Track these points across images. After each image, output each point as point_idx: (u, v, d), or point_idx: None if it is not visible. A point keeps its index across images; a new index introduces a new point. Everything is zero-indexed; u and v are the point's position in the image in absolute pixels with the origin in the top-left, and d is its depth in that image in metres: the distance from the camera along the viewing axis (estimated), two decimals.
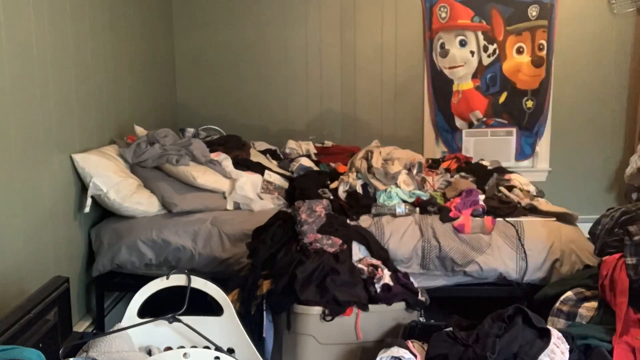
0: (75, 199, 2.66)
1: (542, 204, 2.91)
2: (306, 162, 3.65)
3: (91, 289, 2.81)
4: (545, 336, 1.75)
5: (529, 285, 2.62)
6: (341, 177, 3.30)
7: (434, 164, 3.86)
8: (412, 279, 2.43)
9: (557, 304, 2.11)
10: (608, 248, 2.07)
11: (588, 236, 2.53)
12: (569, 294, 2.14)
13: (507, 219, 2.74)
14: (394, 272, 2.38)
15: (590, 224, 2.42)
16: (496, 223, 2.69)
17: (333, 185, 3.22)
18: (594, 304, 2.05)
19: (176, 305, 1.75)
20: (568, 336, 1.80)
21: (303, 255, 2.30)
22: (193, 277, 1.83)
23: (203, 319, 1.80)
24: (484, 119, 4.42)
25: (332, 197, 2.95)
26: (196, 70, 4.47)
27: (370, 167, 3.10)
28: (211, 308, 1.86)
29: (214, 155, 3.17)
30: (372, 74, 4.47)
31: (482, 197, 2.93)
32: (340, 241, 2.40)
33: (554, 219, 2.77)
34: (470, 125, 4.44)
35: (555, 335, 1.75)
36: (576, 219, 2.77)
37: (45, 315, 1.64)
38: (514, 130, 4.48)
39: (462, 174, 3.37)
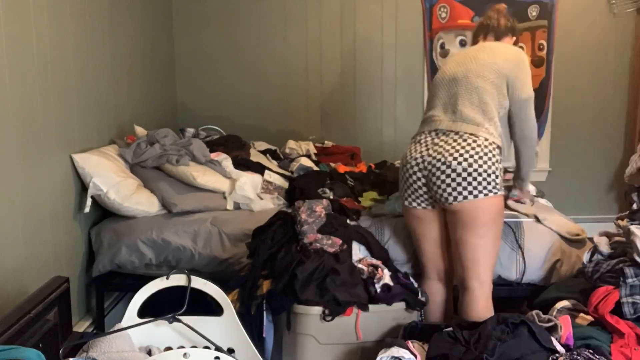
0: (75, 199, 2.66)
1: (544, 209, 2.89)
2: (306, 162, 3.65)
3: (91, 289, 2.81)
4: (551, 350, 1.75)
5: (529, 285, 2.62)
6: None
7: None
8: (412, 279, 2.43)
9: (554, 313, 2.10)
10: (601, 282, 2.09)
11: (589, 237, 2.53)
12: (566, 303, 2.14)
13: (505, 219, 2.73)
14: (394, 272, 2.37)
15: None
16: None
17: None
18: (590, 318, 2.05)
19: (176, 305, 1.75)
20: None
21: (303, 255, 2.30)
22: (193, 277, 1.83)
23: (203, 319, 1.80)
24: None
25: (332, 197, 2.95)
26: (196, 70, 4.47)
27: None
28: (211, 308, 1.85)
29: (214, 155, 3.17)
30: (372, 74, 4.47)
31: None
32: (340, 241, 2.39)
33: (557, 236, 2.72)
34: None
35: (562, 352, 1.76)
36: (584, 244, 2.69)
37: (45, 315, 1.63)
38: None
39: None
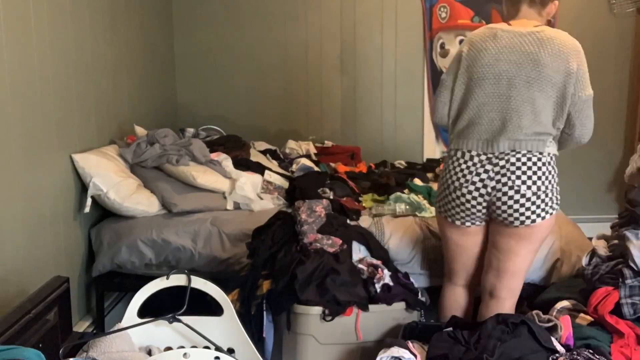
0: (75, 199, 2.66)
1: None
2: (306, 162, 3.65)
3: (91, 289, 2.81)
4: (551, 350, 1.75)
5: (529, 285, 2.61)
6: None
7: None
8: (412, 279, 2.43)
9: (555, 313, 2.10)
10: (600, 283, 2.09)
11: (589, 237, 2.53)
12: (565, 303, 2.14)
13: None
14: (394, 272, 2.38)
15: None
16: None
17: None
18: (590, 318, 2.05)
19: (176, 305, 1.75)
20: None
21: (303, 255, 2.30)
22: (193, 277, 1.83)
23: (203, 319, 1.80)
24: None
25: (332, 197, 2.95)
26: (196, 70, 4.47)
27: None
28: (211, 308, 1.85)
29: (214, 155, 3.17)
30: (372, 74, 4.47)
31: None
32: (340, 241, 2.39)
33: None
34: None
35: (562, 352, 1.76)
36: None
37: (45, 315, 1.64)
38: None
39: None
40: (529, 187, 2.05)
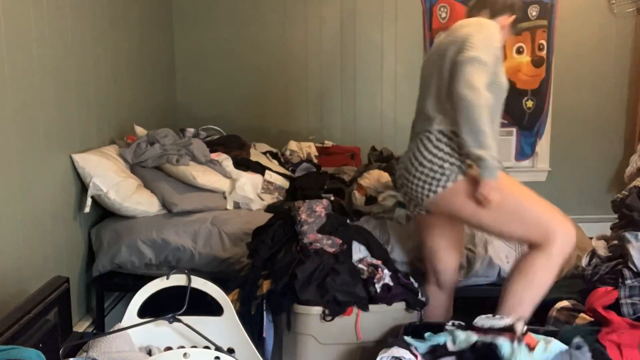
0: (75, 199, 2.66)
1: None
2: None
3: (91, 289, 2.81)
4: None
5: None
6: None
7: None
8: (412, 279, 2.43)
9: (555, 313, 2.10)
10: (600, 284, 2.09)
11: (589, 237, 2.53)
12: (565, 303, 2.14)
13: None
14: (394, 272, 2.37)
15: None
16: None
17: None
18: (590, 318, 2.05)
19: (176, 305, 1.75)
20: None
21: (303, 255, 2.30)
22: (193, 277, 1.83)
23: (203, 319, 1.80)
24: None
25: (332, 198, 2.95)
26: (196, 70, 4.47)
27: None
28: (211, 308, 1.85)
29: (214, 155, 3.17)
30: (372, 74, 4.47)
31: None
32: (340, 241, 2.39)
33: None
34: None
35: None
36: None
37: (45, 315, 1.64)
38: (514, 130, 4.49)
39: None
40: (399, 177, 2.27)
